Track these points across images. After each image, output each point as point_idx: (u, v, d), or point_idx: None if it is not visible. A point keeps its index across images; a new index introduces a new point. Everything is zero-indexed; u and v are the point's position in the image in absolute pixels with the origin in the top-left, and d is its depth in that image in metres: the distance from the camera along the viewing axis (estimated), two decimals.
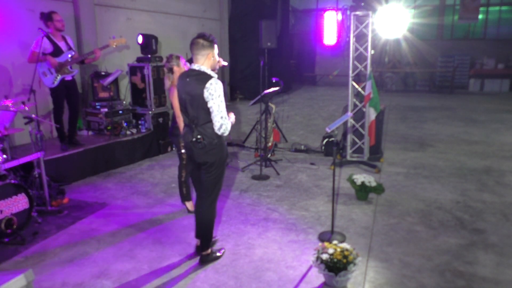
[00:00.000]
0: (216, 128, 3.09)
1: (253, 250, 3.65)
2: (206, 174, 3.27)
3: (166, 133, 7.15)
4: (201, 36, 3.15)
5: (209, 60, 3.15)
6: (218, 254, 3.55)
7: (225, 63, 3.47)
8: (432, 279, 3.17)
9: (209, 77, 3.08)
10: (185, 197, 4.60)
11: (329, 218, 4.14)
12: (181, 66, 4.25)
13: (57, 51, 5.43)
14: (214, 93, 3.03)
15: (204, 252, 3.45)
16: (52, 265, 3.46)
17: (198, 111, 3.10)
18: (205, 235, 3.43)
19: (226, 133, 3.14)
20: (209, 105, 3.06)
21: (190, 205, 4.62)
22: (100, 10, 7.80)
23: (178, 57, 4.29)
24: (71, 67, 5.57)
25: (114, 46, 5.78)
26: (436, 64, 16.22)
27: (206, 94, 3.04)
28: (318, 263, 3.04)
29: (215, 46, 3.18)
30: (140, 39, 6.81)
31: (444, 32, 16.96)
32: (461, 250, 3.60)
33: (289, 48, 16.55)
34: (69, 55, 5.53)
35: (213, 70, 3.21)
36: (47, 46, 5.32)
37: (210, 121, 3.10)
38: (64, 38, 5.55)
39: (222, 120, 3.07)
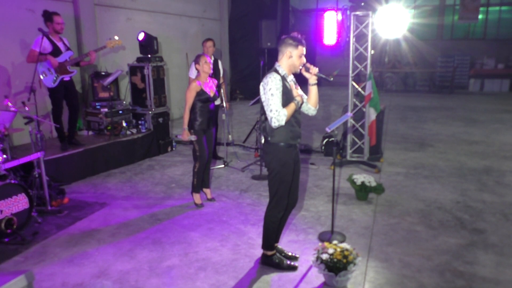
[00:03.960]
0: (270, 123, 3.01)
1: (253, 250, 3.64)
2: (268, 174, 3.23)
3: (166, 133, 7.16)
4: (289, 35, 3.11)
5: (286, 59, 3.06)
6: (284, 262, 3.35)
7: (315, 69, 3.06)
8: (432, 279, 3.17)
9: (271, 72, 3.06)
10: (194, 188, 4.67)
11: (329, 218, 4.14)
12: (201, 64, 4.45)
13: (56, 51, 5.43)
14: (266, 87, 3.01)
15: (264, 251, 3.40)
16: (52, 265, 3.46)
17: (262, 107, 3.11)
18: (264, 234, 3.35)
19: (277, 124, 2.97)
20: (262, 99, 3.06)
21: (197, 197, 4.67)
22: (100, 10, 7.80)
23: (200, 55, 4.54)
24: (69, 68, 5.57)
25: (111, 47, 5.79)
26: (436, 64, 16.22)
27: (261, 89, 3.06)
28: (318, 263, 3.04)
29: (299, 47, 3.02)
30: (141, 35, 6.77)
31: (444, 32, 16.96)
32: (461, 250, 3.60)
33: None
34: (68, 56, 5.54)
35: (294, 71, 3.11)
36: (46, 45, 5.32)
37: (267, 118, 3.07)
38: (61, 39, 5.56)
39: (272, 114, 2.96)
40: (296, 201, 3.40)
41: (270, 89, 2.98)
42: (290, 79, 3.17)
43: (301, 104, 3.10)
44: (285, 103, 3.03)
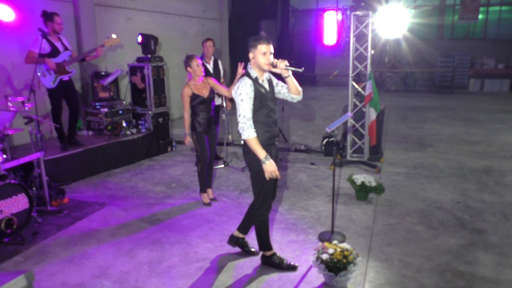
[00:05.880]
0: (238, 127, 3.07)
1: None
2: (250, 174, 3.26)
3: (166, 133, 7.16)
4: (252, 36, 3.11)
5: (253, 60, 3.08)
6: (284, 262, 3.35)
7: (282, 64, 3.00)
8: (432, 279, 3.17)
9: (243, 76, 3.09)
10: (200, 189, 4.74)
11: (329, 218, 4.14)
12: (194, 67, 4.43)
13: (54, 52, 5.42)
14: (237, 92, 3.04)
15: (262, 252, 3.41)
16: (52, 265, 3.46)
17: None
18: (257, 235, 3.36)
19: (242, 137, 3.03)
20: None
21: (205, 197, 4.73)
22: (100, 10, 7.80)
23: (191, 58, 4.47)
24: (68, 68, 5.57)
25: (109, 46, 5.79)
26: (436, 64, 16.22)
27: (233, 93, 3.09)
28: (318, 263, 3.04)
29: (258, 46, 3.00)
30: (139, 38, 6.80)
31: (444, 32, 16.97)
32: (461, 250, 3.60)
33: (289, 48, 16.55)
34: (67, 56, 5.53)
35: (263, 70, 3.08)
36: (45, 46, 5.31)
37: None
38: (60, 39, 5.55)
39: (240, 119, 3.02)
40: (275, 197, 3.43)
41: (240, 95, 3.01)
42: (264, 78, 3.16)
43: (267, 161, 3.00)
44: (258, 107, 3.06)
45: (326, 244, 3.14)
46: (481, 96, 13.93)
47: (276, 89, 3.28)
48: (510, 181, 5.35)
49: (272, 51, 3.06)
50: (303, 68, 3.08)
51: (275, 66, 3.04)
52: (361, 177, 4.74)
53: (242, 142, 3.18)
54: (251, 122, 3.02)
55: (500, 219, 4.23)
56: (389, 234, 3.93)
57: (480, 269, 3.30)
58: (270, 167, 3.01)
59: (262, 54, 3.01)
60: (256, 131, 3.06)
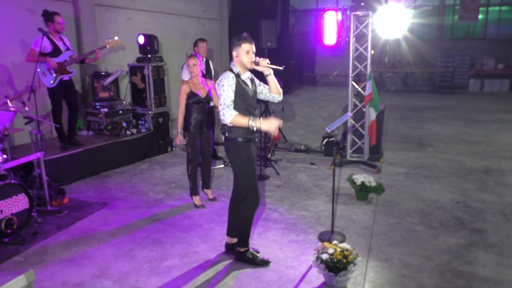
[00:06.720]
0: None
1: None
2: (235, 171, 3.32)
3: (166, 133, 7.16)
4: (236, 36, 3.27)
5: (236, 58, 3.21)
6: (258, 257, 3.41)
7: (264, 62, 3.15)
8: (432, 279, 3.17)
9: (226, 71, 3.20)
10: (191, 191, 4.69)
11: (329, 218, 4.14)
12: (190, 66, 4.48)
13: (56, 51, 5.43)
14: (220, 83, 3.15)
15: (237, 248, 3.46)
16: (52, 265, 3.46)
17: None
18: (241, 232, 3.41)
19: (222, 119, 3.09)
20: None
21: (196, 199, 4.70)
22: (100, 10, 7.80)
23: (189, 57, 4.53)
24: (69, 68, 5.57)
25: (111, 47, 5.79)
26: (436, 64, 16.23)
27: (216, 87, 3.20)
28: (318, 263, 3.05)
29: (242, 45, 3.15)
30: (141, 39, 6.78)
31: (444, 32, 16.97)
32: (461, 250, 3.60)
33: (289, 48, 16.53)
34: (68, 56, 5.53)
35: (247, 68, 3.22)
36: (47, 45, 5.32)
37: None
38: (61, 39, 5.55)
39: (220, 107, 3.12)
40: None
41: (222, 85, 3.14)
42: (246, 76, 3.27)
43: (256, 127, 3.07)
44: (238, 101, 3.15)
45: (326, 244, 3.14)
46: (481, 96, 13.94)
47: (258, 89, 3.42)
48: (510, 181, 5.35)
49: (254, 50, 3.21)
50: (283, 66, 3.20)
51: (257, 64, 3.19)
52: (361, 177, 4.74)
53: (223, 138, 3.30)
54: (230, 107, 3.10)
55: (500, 219, 4.24)
56: (389, 234, 3.93)
57: (480, 269, 3.30)
58: (266, 123, 3.01)
59: (246, 52, 3.16)
60: (236, 126, 3.16)
